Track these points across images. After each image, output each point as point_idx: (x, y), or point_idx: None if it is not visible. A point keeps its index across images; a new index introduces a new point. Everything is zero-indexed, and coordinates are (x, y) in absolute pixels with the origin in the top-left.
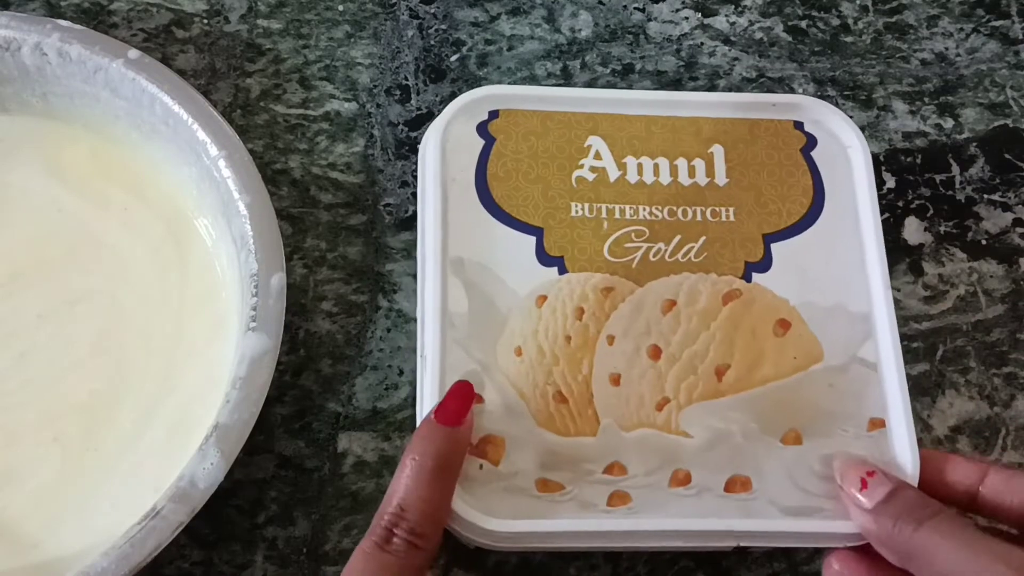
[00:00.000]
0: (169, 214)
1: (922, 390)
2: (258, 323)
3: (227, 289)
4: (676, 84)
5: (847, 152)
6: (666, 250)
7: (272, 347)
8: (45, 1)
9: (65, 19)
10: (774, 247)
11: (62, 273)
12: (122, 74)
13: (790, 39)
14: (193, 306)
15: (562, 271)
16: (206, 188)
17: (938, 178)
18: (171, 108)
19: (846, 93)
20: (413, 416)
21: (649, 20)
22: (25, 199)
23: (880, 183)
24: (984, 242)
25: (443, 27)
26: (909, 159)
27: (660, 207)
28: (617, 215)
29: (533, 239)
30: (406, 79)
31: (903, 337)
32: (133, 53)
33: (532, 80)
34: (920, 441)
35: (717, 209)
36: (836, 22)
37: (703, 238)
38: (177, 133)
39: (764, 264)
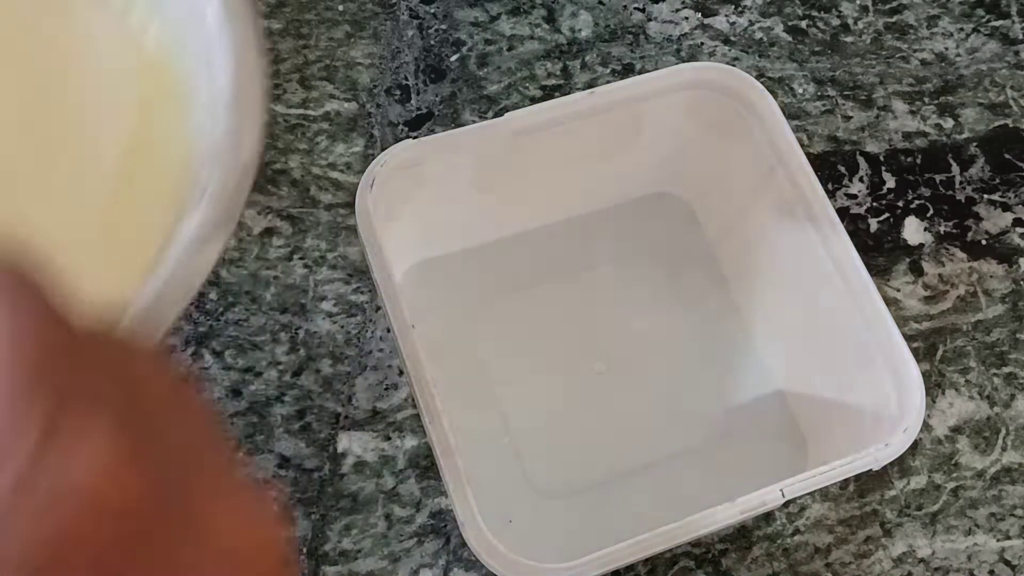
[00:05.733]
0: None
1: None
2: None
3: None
4: None
5: None
6: None
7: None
8: None
9: None
10: None
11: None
12: None
13: (790, 39)
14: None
15: None
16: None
17: (938, 178)
18: None
19: (846, 93)
20: (413, 416)
21: (649, 20)
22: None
23: (880, 183)
24: (984, 242)
25: (443, 27)
26: (909, 159)
27: None
28: None
29: None
30: (406, 79)
31: (904, 337)
32: None
33: (532, 79)
34: (919, 442)
35: None
36: (836, 22)
37: None
38: None
39: None
